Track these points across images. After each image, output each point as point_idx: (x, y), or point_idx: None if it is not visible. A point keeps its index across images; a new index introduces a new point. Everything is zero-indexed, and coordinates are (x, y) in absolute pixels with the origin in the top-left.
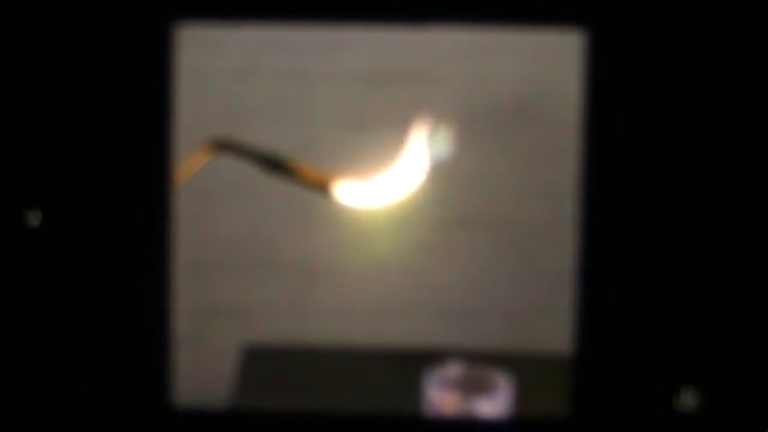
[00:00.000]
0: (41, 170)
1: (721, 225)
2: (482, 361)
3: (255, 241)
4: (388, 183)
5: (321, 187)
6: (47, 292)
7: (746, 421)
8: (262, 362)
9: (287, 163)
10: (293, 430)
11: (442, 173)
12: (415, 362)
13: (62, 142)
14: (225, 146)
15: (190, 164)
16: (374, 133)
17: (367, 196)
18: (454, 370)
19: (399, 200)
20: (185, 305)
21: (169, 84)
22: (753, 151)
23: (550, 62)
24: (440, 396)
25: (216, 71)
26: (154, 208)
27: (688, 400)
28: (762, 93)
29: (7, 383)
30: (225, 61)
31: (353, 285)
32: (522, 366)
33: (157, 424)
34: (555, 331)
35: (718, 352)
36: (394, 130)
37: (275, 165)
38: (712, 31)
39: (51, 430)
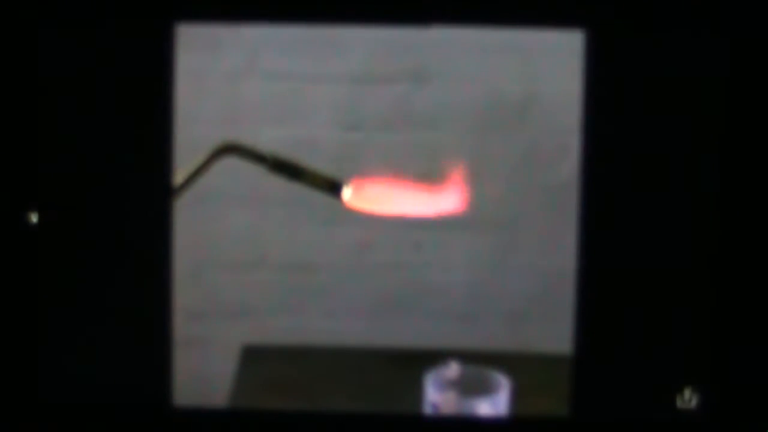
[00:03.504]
0: (41, 170)
1: (721, 224)
2: (482, 361)
3: (255, 241)
4: (399, 192)
5: (330, 190)
6: (47, 292)
7: (746, 421)
8: (261, 362)
9: (297, 165)
10: (293, 430)
11: (440, 173)
12: (415, 362)
13: (62, 142)
14: (234, 149)
15: (199, 167)
16: (374, 133)
17: (376, 200)
18: (453, 370)
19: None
20: (185, 305)
21: (169, 84)
22: (753, 151)
23: (550, 63)
24: (440, 396)
25: (215, 71)
26: (154, 208)
27: (688, 400)
28: (762, 92)
29: (7, 383)
30: (224, 62)
31: (353, 285)
32: (522, 366)
33: (157, 424)
34: (555, 331)
35: (718, 352)
36: (394, 130)
37: (285, 168)
38: (712, 31)
39: (50, 430)
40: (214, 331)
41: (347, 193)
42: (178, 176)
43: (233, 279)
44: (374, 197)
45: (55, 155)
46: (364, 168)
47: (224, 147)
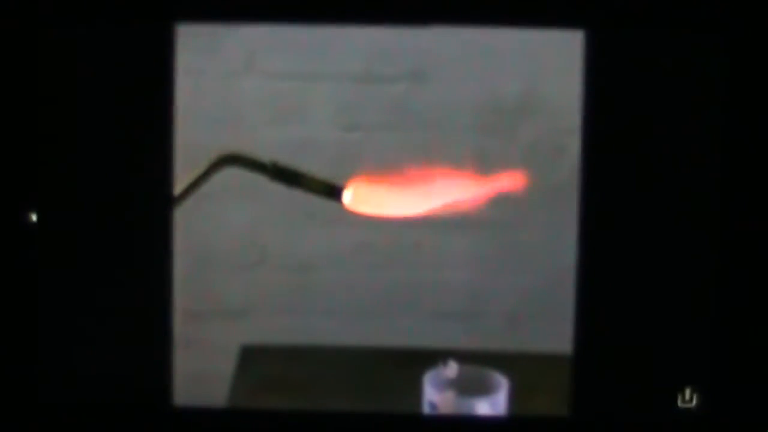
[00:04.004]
0: (41, 171)
1: (721, 224)
2: (482, 362)
3: (255, 241)
4: (399, 195)
5: (332, 196)
6: (47, 292)
7: (746, 421)
8: (261, 362)
9: (298, 173)
10: (292, 430)
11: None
12: (415, 362)
13: (61, 142)
14: (235, 159)
15: (199, 177)
16: (373, 133)
17: (377, 205)
18: (452, 369)
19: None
20: (185, 305)
21: (169, 84)
22: (753, 150)
23: (550, 63)
24: (439, 396)
25: (215, 71)
26: (155, 208)
27: (688, 400)
28: (762, 92)
29: (7, 383)
30: (223, 62)
31: (353, 285)
32: (522, 366)
33: (157, 424)
34: (555, 331)
35: (718, 352)
36: (394, 130)
37: (286, 176)
38: (712, 31)
39: (50, 430)
40: (214, 331)
41: (347, 198)
42: (178, 187)
43: (233, 279)
44: (374, 200)
45: (55, 155)
46: (364, 168)
47: (224, 157)
